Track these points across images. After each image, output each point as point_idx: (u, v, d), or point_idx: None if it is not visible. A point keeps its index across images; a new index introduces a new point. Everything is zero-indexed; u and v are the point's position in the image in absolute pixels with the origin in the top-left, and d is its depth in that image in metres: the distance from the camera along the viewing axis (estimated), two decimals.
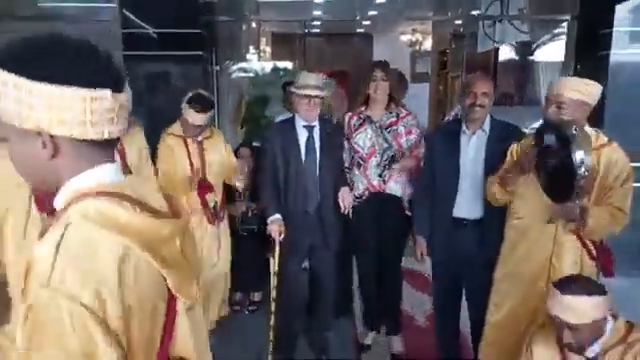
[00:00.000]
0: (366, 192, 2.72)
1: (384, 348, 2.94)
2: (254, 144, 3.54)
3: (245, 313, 3.34)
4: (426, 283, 2.90)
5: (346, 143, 2.78)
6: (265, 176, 2.60)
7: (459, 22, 7.21)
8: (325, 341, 2.88)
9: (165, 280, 0.83)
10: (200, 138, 2.74)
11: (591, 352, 1.52)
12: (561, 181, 1.71)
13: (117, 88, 0.80)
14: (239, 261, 3.04)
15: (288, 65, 8.71)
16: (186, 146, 2.71)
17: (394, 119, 2.70)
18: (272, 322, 2.58)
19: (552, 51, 4.63)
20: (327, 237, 2.63)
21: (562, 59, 4.35)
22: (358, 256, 2.96)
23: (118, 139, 0.85)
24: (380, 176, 2.69)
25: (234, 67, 5.72)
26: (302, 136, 2.57)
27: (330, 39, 9.76)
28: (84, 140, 0.79)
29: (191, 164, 2.70)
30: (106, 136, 0.80)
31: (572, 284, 1.53)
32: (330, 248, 2.67)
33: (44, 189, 0.86)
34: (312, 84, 2.48)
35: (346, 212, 2.57)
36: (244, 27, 6.39)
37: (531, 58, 5.10)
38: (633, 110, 3.74)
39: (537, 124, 2.03)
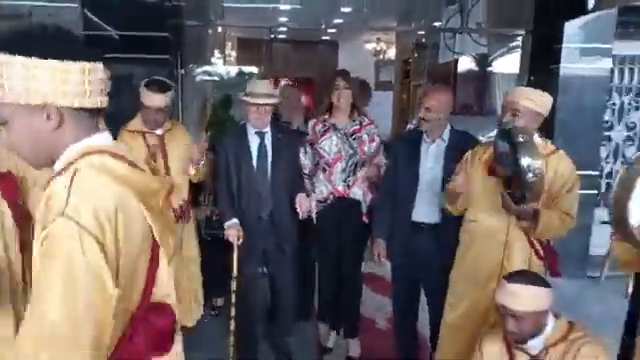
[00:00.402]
0: (330, 196, 2.77)
1: (345, 350, 2.99)
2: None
3: (207, 318, 3.33)
4: (386, 286, 2.97)
5: (310, 149, 2.83)
6: (221, 182, 2.62)
7: (422, 32, 7.43)
8: (287, 345, 2.90)
9: (151, 230, 0.97)
10: (160, 132, 2.67)
11: (534, 349, 1.61)
12: (514, 185, 1.82)
13: (96, 59, 0.92)
14: (203, 266, 3.04)
15: (254, 70, 8.74)
16: (145, 141, 2.63)
17: (357, 127, 2.77)
18: (232, 327, 2.58)
19: (508, 63, 4.86)
20: (281, 242, 2.66)
21: (517, 71, 4.57)
22: (320, 259, 3.00)
23: (105, 109, 0.97)
24: (345, 181, 2.75)
25: (199, 70, 5.71)
26: (254, 142, 2.60)
27: (296, 46, 9.86)
28: (82, 109, 0.92)
29: (152, 159, 2.60)
30: (99, 105, 0.93)
31: (519, 275, 1.65)
32: (285, 253, 2.69)
33: (40, 163, 0.97)
34: (261, 92, 2.52)
35: (304, 217, 2.61)
36: (210, 32, 6.38)
37: (489, 69, 5.32)
38: (580, 121, 3.97)
39: (494, 133, 2.14)
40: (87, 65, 0.89)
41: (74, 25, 3.62)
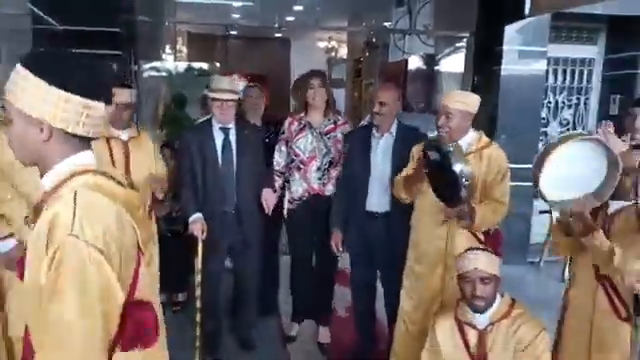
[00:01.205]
0: (305, 194, 2.84)
1: (308, 338, 3.11)
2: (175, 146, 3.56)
3: (168, 314, 3.34)
4: (345, 277, 3.11)
5: (284, 147, 2.88)
6: (184, 177, 2.65)
7: (373, 32, 7.63)
8: (250, 337, 2.98)
9: (136, 237, 1.09)
10: (125, 137, 2.53)
11: (481, 324, 1.79)
12: (448, 189, 1.99)
13: (107, 102, 1.07)
14: (162, 262, 3.05)
15: (204, 65, 8.66)
16: (109, 146, 2.48)
17: (332, 126, 2.85)
18: (198, 319, 2.63)
19: (454, 63, 5.11)
20: (246, 237, 2.73)
21: (462, 71, 4.82)
22: (294, 255, 3.06)
23: (95, 138, 1.09)
24: (320, 179, 2.83)
25: (149, 66, 5.62)
26: (218, 138, 2.66)
27: (248, 42, 9.83)
28: (73, 134, 1.03)
29: (114, 165, 2.49)
30: (89, 135, 1.06)
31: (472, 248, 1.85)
32: (250, 247, 2.77)
33: (25, 162, 1.08)
34: (224, 88, 2.58)
35: (269, 212, 2.70)
36: (162, 27, 6.28)
37: (436, 69, 5.58)
38: (519, 118, 4.26)
39: None
40: (90, 103, 1.02)
41: (21, 19, 3.54)
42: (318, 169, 2.83)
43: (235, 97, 2.61)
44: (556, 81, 4.87)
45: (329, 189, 2.84)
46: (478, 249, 1.82)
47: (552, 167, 1.72)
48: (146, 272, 1.14)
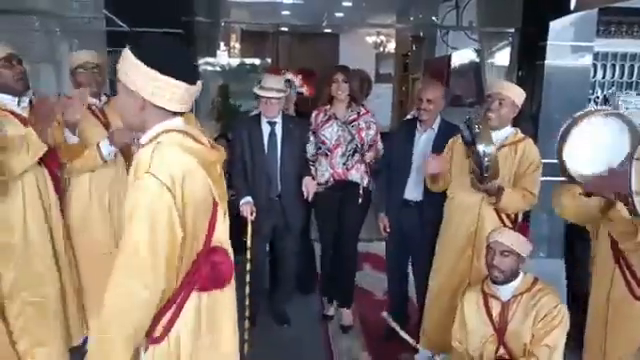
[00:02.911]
0: (331, 179, 3.09)
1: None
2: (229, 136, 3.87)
3: None
4: (382, 263, 3.32)
5: (312, 137, 3.13)
6: (236, 165, 2.94)
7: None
8: (285, 312, 3.29)
9: (211, 192, 1.30)
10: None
11: (504, 297, 1.96)
12: (476, 165, 2.17)
13: (194, 83, 1.28)
14: None
15: (255, 61, 9.05)
16: None
17: (355, 116, 3.08)
18: (248, 291, 2.90)
19: (499, 58, 5.15)
20: (288, 220, 3.00)
21: (507, 66, 4.87)
22: (320, 237, 3.31)
23: (183, 112, 1.33)
24: (344, 164, 3.07)
25: (205, 62, 6.00)
26: (266, 130, 2.94)
27: (298, 38, 10.09)
28: (162, 107, 1.27)
29: None
30: (175, 109, 1.29)
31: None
32: (291, 231, 3.04)
33: (128, 126, 1.38)
34: (269, 87, 2.85)
35: (309, 199, 2.94)
36: (218, 26, 6.66)
37: (481, 63, 5.61)
38: (564, 113, 4.26)
39: None
40: (179, 84, 1.24)
41: (97, 22, 3.96)
42: (343, 155, 3.05)
43: (279, 95, 2.86)
44: (604, 76, 4.82)
45: (352, 174, 3.06)
46: (505, 227, 2.00)
47: (575, 142, 1.82)
48: (222, 223, 1.36)
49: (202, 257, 1.29)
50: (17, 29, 4.12)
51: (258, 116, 2.98)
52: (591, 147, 1.82)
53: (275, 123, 2.95)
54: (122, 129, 2.38)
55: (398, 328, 2.19)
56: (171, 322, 1.30)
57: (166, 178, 1.19)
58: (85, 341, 2.58)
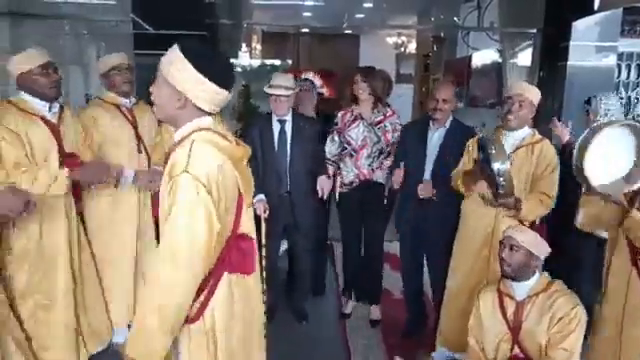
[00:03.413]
0: (356, 179, 3.12)
1: (361, 315, 3.38)
2: None
3: None
4: (396, 261, 3.34)
5: (337, 137, 3.16)
6: (249, 163, 3.00)
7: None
8: (303, 309, 3.33)
9: (238, 185, 1.41)
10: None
11: (519, 296, 1.97)
12: (490, 184, 2.23)
13: (230, 89, 1.40)
14: None
15: (276, 62, 9.15)
16: None
17: (381, 117, 3.10)
18: (264, 288, 2.97)
19: (520, 59, 5.12)
20: (298, 219, 3.04)
21: (528, 66, 4.84)
22: (345, 236, 3.33)
23: (216, 113, 1.44)
24: (370, 165, 3.09)
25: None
26: (276, 128, 2.99)
27: (319, 39, 10.15)
28: (200, 107, 1.38)
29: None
30: (210, 110, 1.40)
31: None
32: (301, 229, 3.08)
33: (161, 118, 1.49)
34: (277, 84, 2.90)
35: (324, 198, 2.99)
36: (240, 28, 6.76)
37: (502, 64, 5.58)
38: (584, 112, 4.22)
39: None
40: (220, 90, 1.36)
41: (124, 25, 4.09)
42: (368, 156, 3.08)
43: (287, 93, 2.89)
44: (629, 76, 4.75)
45: (377, 175, 3.09)
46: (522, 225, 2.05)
47: (593, 153, 1.84)
48: (247, 212, 1.48)
49: (231, 242, 1.41)
50: (48, 33, 4.27)
51: (269, 114, 3.04)
52: (606, 157, 1.85)
53: (285, 121, 3.00)
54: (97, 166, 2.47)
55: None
56: (205, 302, 1.40)
57: (202, 176, 1.28)
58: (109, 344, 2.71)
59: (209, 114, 1.41)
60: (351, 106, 3.16)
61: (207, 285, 1.39)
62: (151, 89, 1.43)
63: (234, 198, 1.41)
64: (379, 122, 3.09)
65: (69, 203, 2.44)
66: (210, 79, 1.33)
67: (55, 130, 2.34)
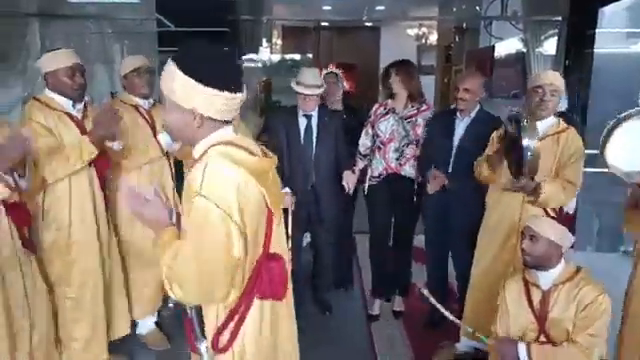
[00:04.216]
0: (384, 172, 3.10)
1: (384, 306, 3.38)
2: None
3: None
4: (424, 255, 3.33)
5: (370, 129, 3.15)
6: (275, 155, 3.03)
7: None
8: (327, 300, 3.38)
9: (265, 200, 1.28)
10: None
11: (545, 285, 1.96)
12: (515, 162, 2.18)
13: (242, 90, 1.28)
14: None
15: (296, 57, 9.18)
16: None
17: (414, 112, 3.05)
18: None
19: (545, 47, 5.01)
20: (321, 213, 3.06)
21: (553, 55, 4.74)
22: (372, 230, 3.30)
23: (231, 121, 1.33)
24: (397, 159, 3.07)
25: (249, 59, 6.17)
26: (302, 123, 3.01)
27: (339, 32, 10.13)
28: (216, 119, 1.27)
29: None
30: (227, 118, 1.29)
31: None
32: (324, 222, 3.10)
33: (182, 140, 1.38)
34: (306, 83, 2.88)
35: (350, 192, 3.01)
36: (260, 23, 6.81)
37: (526, 54, 5.47)
38: (616, 102, 4.13)
39: None
40: (229, 95, 1.23)
41: (148, 23, 4.17)
42: (396, 150, 3.06)
43: (317, 92, 2.90)
44: None
45: (405, 169, 3.06)
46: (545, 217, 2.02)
47: (619, 141, 1.81)
48: (277, 230, 1.36)
49: (262, 264, 1.31)
50: (74, 32, 4.38)
51: (295, 108, 3.06)
52: (632, 147, 1.82)
53: (311, 116, 3.02)
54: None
55: (439, 305, 2.22)
56: (235, 331, 1.32)
57: (218, 198, 1.18)
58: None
59: (228, 122, 1.30)
60: (387, 100, 3.14)
61: (236, 313, 1.31)
62: (163, 116, 1.36)
63: (261, 213, 1.29)
64: (411, 116, 3.05)
65: (98, 194, 2.50)
66: (222, 89, 1.22)
67: (81, 126, 2.41)
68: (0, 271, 2.00)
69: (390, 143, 3.07)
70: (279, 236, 1.39)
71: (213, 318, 1.33)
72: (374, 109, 3.16)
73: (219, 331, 1.32)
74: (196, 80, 1.20)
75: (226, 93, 1.23)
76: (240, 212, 1.21)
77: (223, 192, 1.19)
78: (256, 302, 1.31)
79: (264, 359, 1.37)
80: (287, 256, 1.40)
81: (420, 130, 3.04)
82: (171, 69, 1.22)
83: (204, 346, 1.36)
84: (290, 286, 1.41)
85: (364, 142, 3.17)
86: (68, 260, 2.40)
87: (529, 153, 2.04)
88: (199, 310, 1.36)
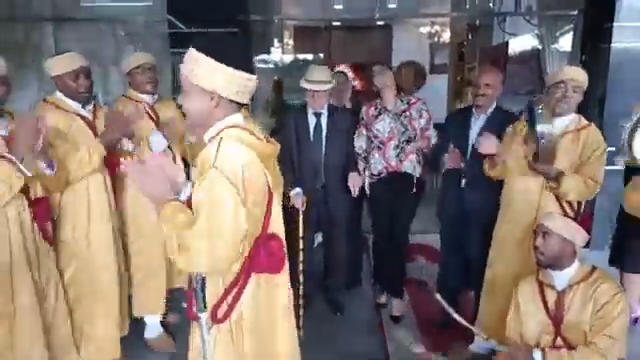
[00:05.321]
0: (384, 171, 3.09)
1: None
2: None
3: None
4: (436, 255, 3.30)
5: (364, 131, 3.13)
6: (285, 155, 2.93)
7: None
8: (339, 299, 3.36)
9: (267, 181, 1.40)
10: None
11: (560, 286, 1.91)
12: (532, 148, 2.18)
13: (254, 73, 1.38)
14: None
15: (308, 56, 9.15)
16: None
17: (405, 106, 3.06)
18: (302, 279, 2.98)
19: (560, 43, 4.93)
20: (331, 212, 3.05)
21: (569, 51, 4.65)
22: (374, 228, 3.32)
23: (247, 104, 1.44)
24: (397, 156, 3.07)
25: (260, 59, 6.18)
26: (311, 121, 3.00)
27: (351, 31, 10.08)
28: (232, 100, 1.36)
29: None
30: (243, 101, 1.39)
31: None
32: (335, 221, 3.08)
33: (196, 124, 1.42)
34: (315, 79, 2.88)
35: (355, 194, 2.98)
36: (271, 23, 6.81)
37: (541, 50, 5.38)
38: (631, 97, 4.03)
39: None
40: (247, 76, 1.34)
41: (160, 25, 4.19)
42: (396, 147, 3.05)
43: (325, 87, 2.89)
44: None
45: (405, 165, 3.06)
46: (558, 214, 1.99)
47: None
48: (276, 210, 1.47)
49: (260, 242, 1.39)
50: (88, 35, 4.43)
51: (304, 107, 3.04)
52: None
53: (321, 114, 3.00)
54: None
55: (452, 310, 2.18)
56: (233, 303, 1.41)
57: (229, 172, 1.28)
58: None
59: (239, 107, 1.40)
60: (376, 100, 3.13)
61: (235, 286, 1.40)
62: (180, 101, 1.43)
63: (263, 194, 1.40)
64: (404, 111, 3.05)
65: (110, 193, 2.55)
66: (239, 68, 1.32)
67: (92, 125, 2.44)
68: (25, 266, 2.04)
69: (390, 141, 3.05)
70: (277, 216, 1.48)
71: (213, 291, 1.42)
72: (364, 110, 3.14)
73: (218, 303, 1.41)
74: (217, 60, 1.29)
75: (244, 73, 1.32)
76: (244, 190, 1.30)
77: (234, 168, 1.29)
78: (254, 277, 1.41)
79: (260, 328, 1.46)
80: (282, 235, 1.50)
81: (416, 122, 3.03)
82: (193, 54, 1.31)
83: (205, 316, 1.43)
84: (286, 265, 1.52)
85: (360, 144, 3.15)
86: (83, 258, 2.43)
87: (544, 140, 2.02)
88: (203, 282, 1.42)
